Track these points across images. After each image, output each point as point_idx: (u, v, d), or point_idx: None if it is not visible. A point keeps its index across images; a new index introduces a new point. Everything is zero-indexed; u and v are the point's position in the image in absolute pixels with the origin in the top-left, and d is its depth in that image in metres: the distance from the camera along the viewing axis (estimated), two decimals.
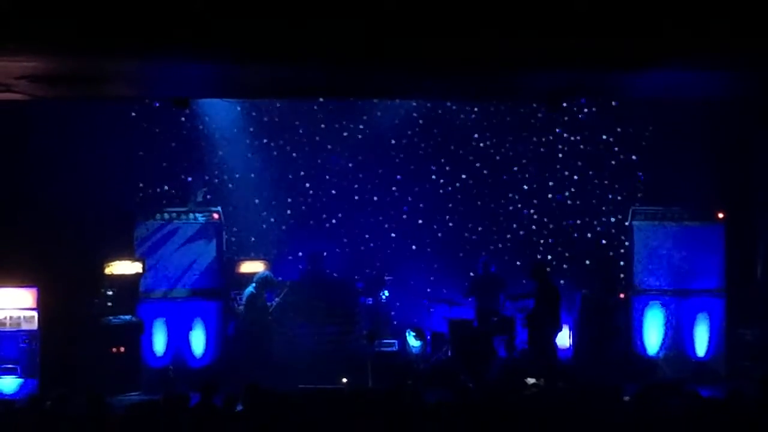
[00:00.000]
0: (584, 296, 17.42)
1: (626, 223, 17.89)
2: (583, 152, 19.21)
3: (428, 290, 18.63)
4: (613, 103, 18.70)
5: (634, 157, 19.00)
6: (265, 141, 19.01)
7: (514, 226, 19.32)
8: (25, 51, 11.61)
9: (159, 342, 16.88)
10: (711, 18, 11.00)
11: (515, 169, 19.30)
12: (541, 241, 19.27)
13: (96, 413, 10.34)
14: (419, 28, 11.01)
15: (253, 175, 18.96)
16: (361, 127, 19.16)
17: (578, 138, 19.22)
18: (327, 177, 19.11)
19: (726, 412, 9.89)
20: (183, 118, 18.25)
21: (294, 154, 19.07)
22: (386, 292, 17.90)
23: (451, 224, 19.35)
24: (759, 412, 10.01)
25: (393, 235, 19.13)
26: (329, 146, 19.09)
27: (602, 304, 17.21)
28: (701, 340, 17.34)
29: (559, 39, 11.36)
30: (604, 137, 19.16)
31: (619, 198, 19.03)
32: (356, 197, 19.16)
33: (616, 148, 19.12)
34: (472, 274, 18.13)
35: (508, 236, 19.30)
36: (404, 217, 19.22)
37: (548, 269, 16.95)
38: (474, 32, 11.13)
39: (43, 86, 13.14)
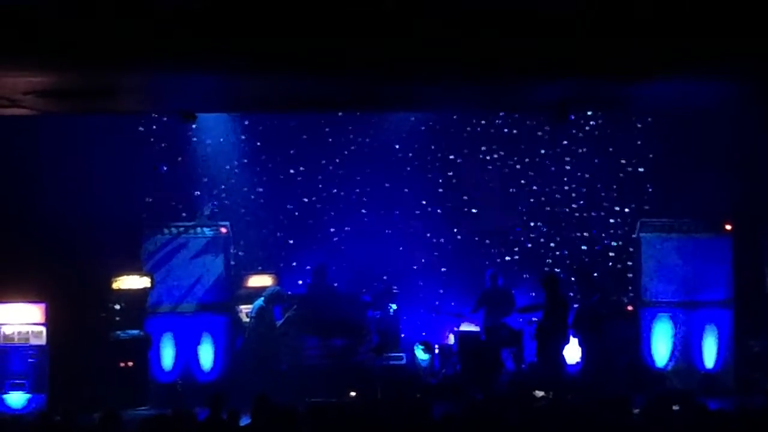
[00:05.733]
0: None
1: (634, 236, 17.85)
2: (591, 164, 19.21)
3: (436, 303, 18.60)
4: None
5: (641, 169, 19.00)
6: (271, 155, 19.03)
7: (522, 239, 19.31)
8: (33, 65, 11.64)
9: (167, 356, 16.87)
10: (719, 25, 11.00)
11: (523, 181, 19.30)
12: (549, 254, 19.26)
13: (109, 429, 10.32)
14: (421, 29, 11.00)
15: (260, 189, 18.98)
16: (367, 140, 19.17)
17: (585, 150, 19.22)
18: (334, 190, 19.13)
19: (734, 425, 9.85)
20: (190, 133, 18.28)
21: (301, 168, 19.09)
22: (394, 305, 17.84)
23: (459, 237, 19.34)
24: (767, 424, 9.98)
25: (401, 248, 19.11)
26: (336, 159, 19.12)
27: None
28: (710, 352, 17.27)
29: (567, 48, 11.37)
30: (611, 149, 19.16)
31: (626, 210, 19.03)
32: (363, 210, 19.16)
33: (623, 161, 19.12)
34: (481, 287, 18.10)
35: (516, 249, 19.29)
36: (411, 230, 19.21)
37: (558, 281, 16.94)
38: (479, 38, 11.13)
39: (50, 101, 13.17)
